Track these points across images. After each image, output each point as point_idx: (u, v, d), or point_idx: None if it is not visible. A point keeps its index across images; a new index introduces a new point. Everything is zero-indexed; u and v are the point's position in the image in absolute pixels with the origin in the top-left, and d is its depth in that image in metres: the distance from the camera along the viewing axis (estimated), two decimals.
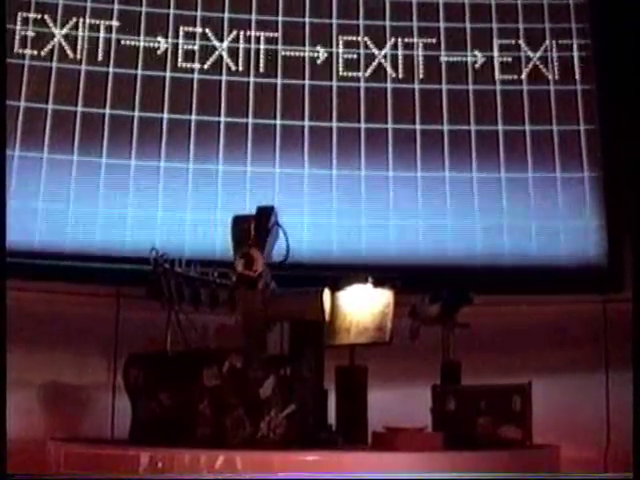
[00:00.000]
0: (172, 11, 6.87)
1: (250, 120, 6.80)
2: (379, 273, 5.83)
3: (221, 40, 6.88)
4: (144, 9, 6.82)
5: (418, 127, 6.89)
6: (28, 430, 5.86)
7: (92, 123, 6.64)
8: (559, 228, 6.76)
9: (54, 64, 6.66)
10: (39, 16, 6.68)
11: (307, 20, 6.97)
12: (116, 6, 6.80)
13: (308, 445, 4.99)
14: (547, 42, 7.00)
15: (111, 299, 6.39)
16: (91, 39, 6.73)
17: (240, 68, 6.88)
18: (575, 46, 7.00)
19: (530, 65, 7.00)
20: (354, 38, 6.99)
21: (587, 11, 6.99)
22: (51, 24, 6.69)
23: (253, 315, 5.33)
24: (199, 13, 6.90)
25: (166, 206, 6.63)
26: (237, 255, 5.33)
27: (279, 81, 6.88)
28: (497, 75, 6.98)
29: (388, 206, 6.76)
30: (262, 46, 6.91)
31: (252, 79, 6.88)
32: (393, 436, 5.06)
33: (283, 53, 6.93)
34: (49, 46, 6.66)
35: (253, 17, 6.94)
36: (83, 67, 6.71)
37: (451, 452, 5.05)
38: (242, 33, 6.91)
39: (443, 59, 6.99)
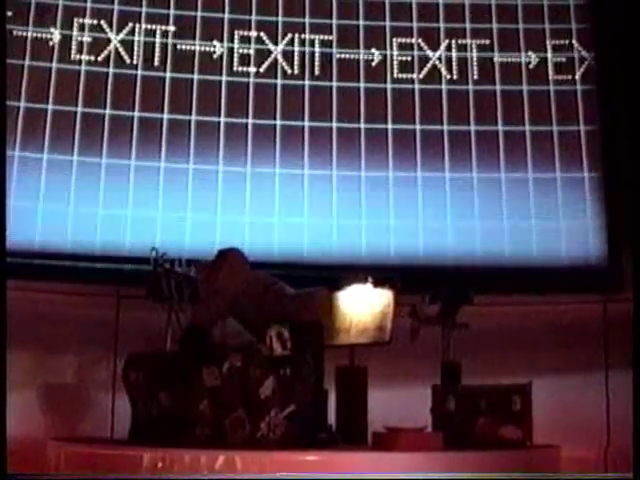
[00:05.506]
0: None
1: (250, 120, 6.80)
2: (379, 273, 5.83)
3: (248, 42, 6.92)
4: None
5: (418, 127, 6.89)
6: (28, 430, 5.86)
7: (92, 123, 6.64)
8: (559, 228, 6.76)
9: (54, 64, 6.67)
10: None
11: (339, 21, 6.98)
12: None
13: (308, 445, 4.99)
14: (548, 43, 7.02)
15: (111, 299, 6.39)
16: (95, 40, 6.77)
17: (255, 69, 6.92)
18: (576, 47, 7.00)
19: (532, 65, 7.01)
20: (407, 40, 7.00)
21: (590, 12, 7.00)
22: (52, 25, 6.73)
23: None
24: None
25: (166, 206, 6.63)
26: (270, 334, 5.19)
27: (279, 81, 6.91)
28: (497, 76, 6.99)
29: (388, 206, 6.76)
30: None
31: (252, 79, 6.90)
32: (393, 436, 5.05)
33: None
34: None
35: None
36: (83, 67, 6.72)
37: (451, 452, 5.05)
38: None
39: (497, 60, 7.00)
